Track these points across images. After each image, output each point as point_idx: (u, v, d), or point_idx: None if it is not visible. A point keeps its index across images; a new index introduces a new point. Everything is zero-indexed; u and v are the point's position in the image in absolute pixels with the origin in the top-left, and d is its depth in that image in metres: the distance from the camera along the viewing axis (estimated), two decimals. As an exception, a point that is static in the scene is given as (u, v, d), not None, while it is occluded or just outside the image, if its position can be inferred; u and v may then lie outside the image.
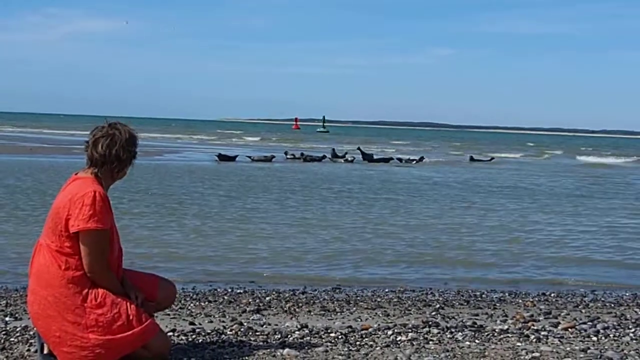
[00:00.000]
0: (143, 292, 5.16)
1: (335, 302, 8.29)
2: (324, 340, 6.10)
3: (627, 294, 9.61)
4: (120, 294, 4.96)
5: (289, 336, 6.21)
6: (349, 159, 41.61)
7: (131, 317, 4.88)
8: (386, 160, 42.89)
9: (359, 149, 44.88)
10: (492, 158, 49.48)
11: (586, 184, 30.45)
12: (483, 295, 9.17)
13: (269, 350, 5.64)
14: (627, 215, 18.79)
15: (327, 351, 5.69)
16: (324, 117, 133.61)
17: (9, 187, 19.32)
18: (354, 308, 7.94)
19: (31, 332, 5.95)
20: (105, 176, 5.03)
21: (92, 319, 4.81)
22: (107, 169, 5.02)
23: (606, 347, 6.13)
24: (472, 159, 48.02)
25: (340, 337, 6.22)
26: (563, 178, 33.69)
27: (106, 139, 5.00)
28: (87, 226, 4.77)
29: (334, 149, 44.47)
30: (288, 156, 42.11)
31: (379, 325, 6.84)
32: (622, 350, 6.05)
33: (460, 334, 6.50)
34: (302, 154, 42.07)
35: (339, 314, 7.59)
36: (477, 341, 6.23)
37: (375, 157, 43.64)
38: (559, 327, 6.95)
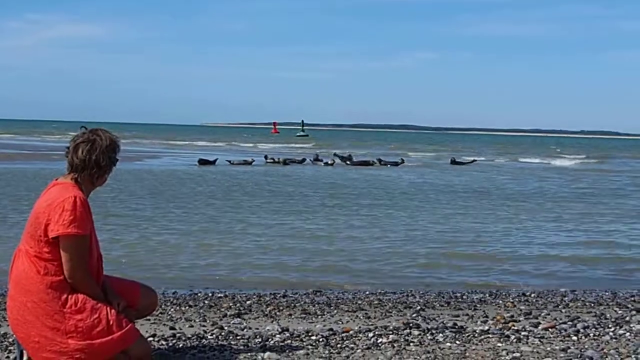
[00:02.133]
0: (124, 298, 5.13)
1: (316, 305, 8.28)
2: (305, 343, 6.10)
3: (607, 293, 9.66)
4: (101, 300, 4.93)
5: (270, 340, 6.20)
6: (330, 162, 41.60)
7: (111, 323, 4.85)
8: (367, 163, 42.85)
9: (335, 154, 44.93)
10: (474, 160, 49.48)
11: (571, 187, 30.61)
12: (464, 297, 9.19)
13: (249, 354, 5.63)
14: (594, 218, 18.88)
15: (308, 354, 5.69)
16: (302, 121, 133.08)
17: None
18: (335, 311, 7.94)
19: (10, 340, 5.90)
20: (85, 182, 5.00)
21: (72, 325, 4.78)
22: (87, 175, 4.99)
23: (586, 347, 6.16)
24: (453, 161, 48.03)
25: (321, 340, 6.21)
26: (544, 180, 33.87)
27: (86, 144, 4.98)
28: (67, 231, 4.74)
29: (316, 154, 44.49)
30: (268, 160, 42.07)
31: (360, 327, 6.84)
32: (602, 349, 6.08)
33: (441, 335, 6.51)
34: (279, 158, 42.05)
35: (319, 317, 7.59)
36: (457, 342, 6.25)
37: (355, 159, 43.66)
38: (540, 327, 6.98)
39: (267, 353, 5.65)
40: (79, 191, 4.89)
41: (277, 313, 7.76)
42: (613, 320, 7.53)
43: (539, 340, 6.35)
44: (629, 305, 8.60)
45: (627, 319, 7.63)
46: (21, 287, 4.86)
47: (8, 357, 5.47)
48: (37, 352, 4.82)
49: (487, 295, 9.37)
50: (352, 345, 6.04)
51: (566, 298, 9.22)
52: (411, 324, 7.00)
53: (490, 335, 6.53)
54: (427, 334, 6.55)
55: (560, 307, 8.52)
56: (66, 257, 4.78)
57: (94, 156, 4.96)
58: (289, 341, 6.16)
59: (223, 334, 6.42)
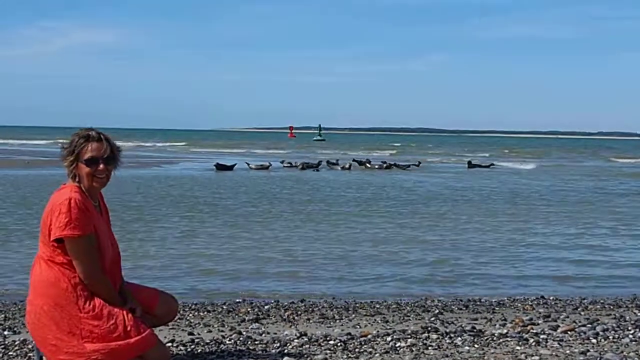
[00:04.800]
0: (141, 304, 5.15)
1: (334, 310, 8.28)
2: (323, 348, 6.09)
3: (627, 295, 9.61)
4: (117, 301, 4.95)
5: (288, 344, 6.20)
6: (346, 166, 41.55)
7: (129, 328, 4.86)
8: (386, 166, 42.56)
9: (354, 160, 45.02)
10: (492, 164, 49.17)
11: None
12: (482, 300, 9.16)
13: (268, 359, 5.63)
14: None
15: (326, 359, 5.68)
16: (319, 125, 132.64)
17: (8, 201, 19.29)
18: (353, 315, 7.93)
19: (29, 346, 5.94)
20: (82, 180, 5.00)
21: (87, 330, 4.79)
22: (71, 177, 5.01)
23: (605, 349, 6.12)
24: (470, 164, 47.81)
25: (339, 344, 6.20)
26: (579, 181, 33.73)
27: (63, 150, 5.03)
28: (63, 234, 4.76)
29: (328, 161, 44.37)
30: (285, 164, 42.07)
31: (378, 331, 6.82)
32: (622, 352, 6.04)
33: (459, 339, 6.49)
34: (297, 162, 42.03)
35: (337, 321, 7.58)
36: (476, 346, 6.22)
37: (373, 163, 43.53)
38: (559, 330, 6.94)
39: (286, 358, 5.65)
40: (76, 193, 4.88)
41: (295, 318, 7.76)
42: (633, 322, 7.47)
43: (558, 344, 6.32)
44: (649, 308, 8.55)
45: (647, 321, 7.58)
46: (38, 290, 4.89)
47: (28, 363, 5.51)
48: (54, 355, 4.85)
49: (506, 298, 9.34)
50: (370, 350, 6.03)
51: (585, 300, 9.18)
52: (429, 328, 6.98)
53: (509, 339, 6.50)
54: (446, 338, 6.53)
55: (579, 309, 8.47)
56: (75, 260, 4.81)
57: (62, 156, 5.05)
58: (307, 346, 6.15)
59: (241, 339, 6.42)
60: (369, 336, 6.58)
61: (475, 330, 6.90)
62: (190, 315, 7.83)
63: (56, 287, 4.83)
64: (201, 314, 7.94)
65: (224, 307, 8.43)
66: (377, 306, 8.57)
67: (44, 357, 5.02)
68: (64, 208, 4.78)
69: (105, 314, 4.85)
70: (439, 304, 8.76)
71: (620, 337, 6.69)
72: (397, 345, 6.21)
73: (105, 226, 5.12)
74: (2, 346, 6.11)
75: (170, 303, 5.46)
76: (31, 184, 24.85)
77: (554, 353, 5.95)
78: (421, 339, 6.45)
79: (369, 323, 7.46)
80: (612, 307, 8.68)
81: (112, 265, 5.07)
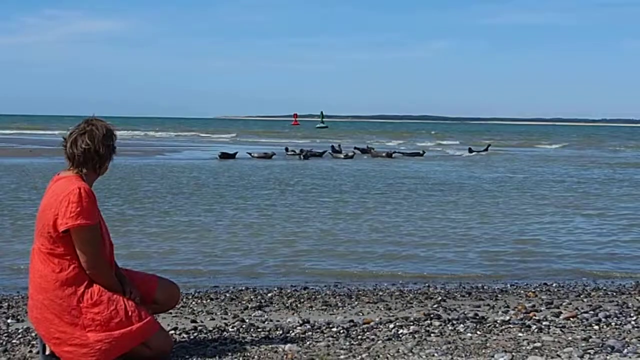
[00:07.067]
0: (140, 290, 5.16)
1: (337, 297, 8.30)
2: (325, 335, 6.11)
3: (629, 282, 9.61)
4: (118, 290, 4.97)
5: (291, 332, 6.22)
6: (349, 154, 41.37)
7: (130, 314, 4.88)
8: (389, 155, 42.28)
9: (355, 148, 44.88)
10: (489, 145, 49.23)
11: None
12: (485, 287, 9.17)
13: (270, 346, 5.64)
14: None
15: (328, 346, 5.70)
16: (321, 112, 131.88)
17: (11, 190, 19.31)
18: (356, 302, 7.95)
19: (33, 334, 5.96)
20: (88, 172, 5.02)
21: (89, 319, 4.81)
22: (90, 166, 5.01)
23: (608, 336, 6.13)
24: (470, 150, 47.76)
25: (342, 331, 6.22)
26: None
27: (84, 135, 4.99)
28: (76, 223, 4.77)
29: (332, 146, 44.13)
30: (288, 152, 41.91)
31: (380, 319, 6.85)
32: (624, 338, 6.05)
33: (462, 325, 6.50)
34: (301, 150, 41.86)
35: (340, 308, 7.60)
36: (478, 332, 6.24)
37: (375, 151, 43.36)
38: (561, 317, 6.96)
39: (288, 345, 5.66)
40: (83, 182, 4.91)
41: (298, 305, 7.78)
42: (635, 309, 7.49)
43: (561, 330, 6.33)
44: (652, 294, 8.55)
45: (650, 307, 7.59)
46: (37, 285, 4.90)
47: (31, 351, 5.52)
48: (58, 347, 4.87)
49: (509, 285, 9.35)
50: (372, 337, 6.05)
51: (588, 287, 9.19)
52: (432, 315, 7.00)
53: (512, 325, 6.52)
54: (448, 325, 6.54)
55: (581, 296, 8.49)
56: (81, 249, 4.82)
57: (94, 146, 4.98)
58: (310, 333, 6.17)
59: (244, 326, 6.45)
60: (372, 323, 6.60)
61: (477, 317, 6.92)
62: (193, 303, 7.85)
63: (55, 281, 4.84)
64: (204, 301, 7.96)
65: (227, 294, 8.44)
66: (380, 293, 8.58)
67: (47, 346, 5.04)
68: (73, 197, 4.78)
69: (105, 300, 4.87)
70: (442, 291, 8.77)
71: (623, 323, 6.70)
72: (399, 332, 6.23)
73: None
74: (6, 334, 6.13)
75: (171, 289, 5.47)
76: (36, 172, 24.86)
77: (556, 339, 5.96)
78: (424, 326, 6.47)
79: (372, 310, 7.48)
80: (614, 293, 8.69)
81: (109, 252, 5.09)
